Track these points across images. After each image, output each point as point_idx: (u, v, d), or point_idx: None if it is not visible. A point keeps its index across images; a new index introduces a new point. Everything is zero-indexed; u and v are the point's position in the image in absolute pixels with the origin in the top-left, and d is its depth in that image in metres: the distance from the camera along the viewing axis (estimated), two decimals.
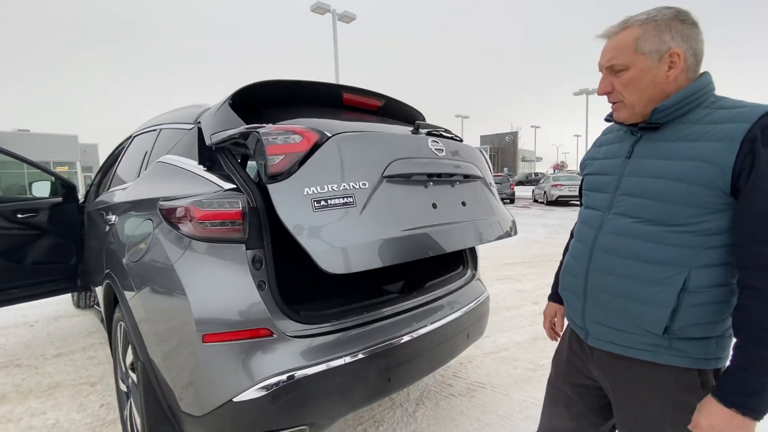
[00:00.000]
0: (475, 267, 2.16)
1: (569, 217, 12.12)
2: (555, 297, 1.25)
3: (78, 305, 3.85)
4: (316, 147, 1.26)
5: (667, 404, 0.88)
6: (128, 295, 1.53)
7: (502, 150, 62.75)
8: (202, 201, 1.27)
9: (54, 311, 3.83)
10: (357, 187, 1.28)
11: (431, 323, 1.64)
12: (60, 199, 3.02)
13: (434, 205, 1.50)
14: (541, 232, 9.01)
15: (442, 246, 1.47)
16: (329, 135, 1.30)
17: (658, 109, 0.86)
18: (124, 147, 2.72)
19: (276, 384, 1.22)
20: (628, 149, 0.94)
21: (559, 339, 1.23)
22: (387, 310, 1.55)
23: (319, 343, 1.33)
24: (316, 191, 1.21)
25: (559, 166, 65.91)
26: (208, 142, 1.47)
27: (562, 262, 1.23)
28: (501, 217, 1.81)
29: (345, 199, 1.24)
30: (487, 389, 2.31)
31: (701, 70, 0.88)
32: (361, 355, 1.37)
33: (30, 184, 3.19)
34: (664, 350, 0.87)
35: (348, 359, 1.33)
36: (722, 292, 0.83)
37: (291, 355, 1.27)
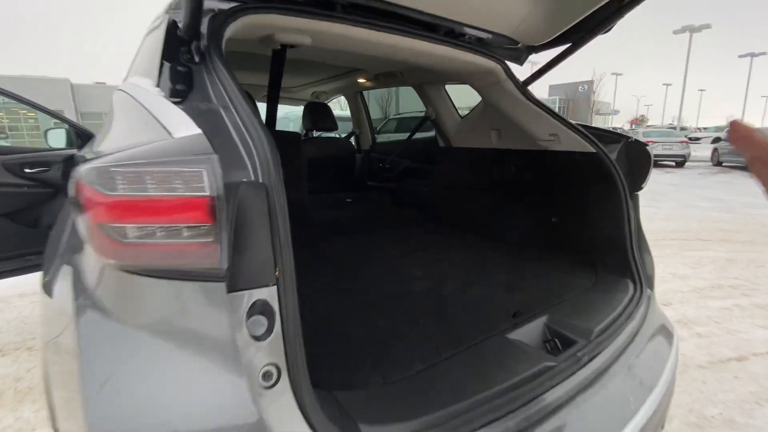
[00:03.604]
0: (650, 285, 1.25)
1: (665, 181, 10.22)
2: None
3: None
4: None
5: None
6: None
7: (575, 102, 56.36)
8: (103, 169, 0.50)
9: None
10: None
11: (615, 427, 0.80)
12: (75, 150, 2.55)
13: None
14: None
15: None
16: None
17: None
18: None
19: None
20: None
21: None
22: (532, 410, 0.74)
23: None
24: None
25: (638, 121, 58.10)
26: None
27: None
28: None
29: None
30: None
31: None
32: None
33: (45, 133, 2.75)
34: None
35: None
36: None
37: None
